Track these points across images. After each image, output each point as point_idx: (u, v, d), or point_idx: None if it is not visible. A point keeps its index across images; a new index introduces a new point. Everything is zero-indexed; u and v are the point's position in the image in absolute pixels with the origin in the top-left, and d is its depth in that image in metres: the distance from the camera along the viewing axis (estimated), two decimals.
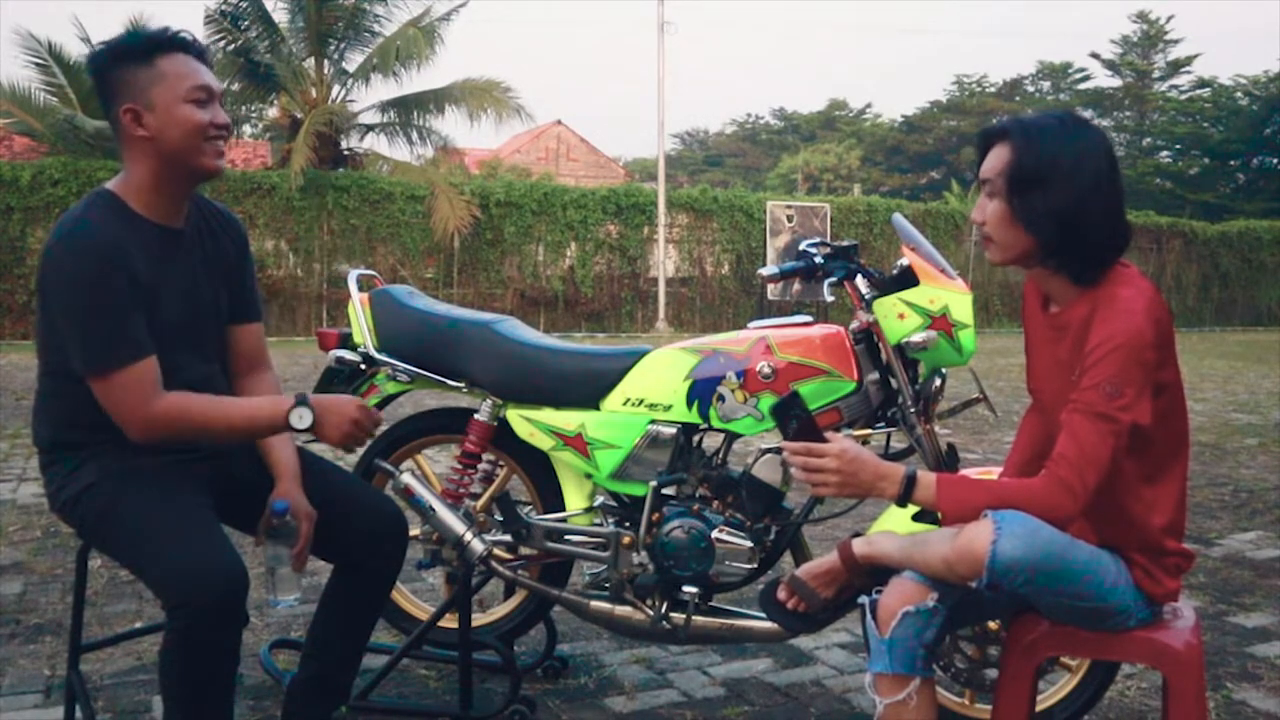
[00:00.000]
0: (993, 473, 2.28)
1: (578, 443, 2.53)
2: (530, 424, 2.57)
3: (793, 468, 1.83)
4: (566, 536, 2.56)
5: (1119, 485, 1.77)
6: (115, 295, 1.89)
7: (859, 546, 1.99)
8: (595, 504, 2.60)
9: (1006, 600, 1.81)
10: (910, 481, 1.77)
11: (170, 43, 1.98)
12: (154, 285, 1.98)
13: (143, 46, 1.96)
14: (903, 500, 1.78)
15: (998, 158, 1.82)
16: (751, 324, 2.56)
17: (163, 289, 2.00)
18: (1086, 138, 1.79)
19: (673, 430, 2.48)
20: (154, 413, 1.91)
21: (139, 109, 1.95)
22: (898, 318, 2.35)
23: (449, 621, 2.62)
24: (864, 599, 1.87)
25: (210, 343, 2.15)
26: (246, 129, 24.56)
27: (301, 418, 1.94)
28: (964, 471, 2.32)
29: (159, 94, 1.95)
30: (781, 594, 2.16)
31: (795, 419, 1.84)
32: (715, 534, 2.42)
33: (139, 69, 1.95)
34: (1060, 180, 1.76)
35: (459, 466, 2.68)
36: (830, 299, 2.50)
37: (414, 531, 2.55)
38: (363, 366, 2.63)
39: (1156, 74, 38.94)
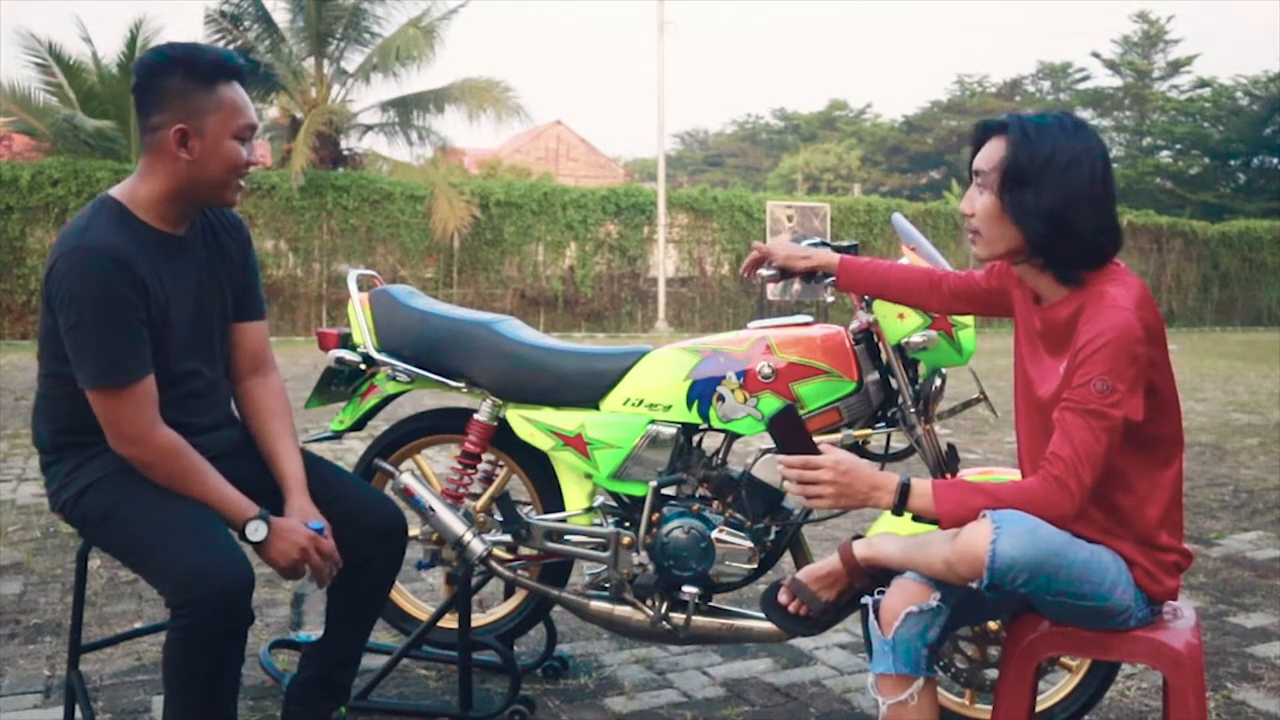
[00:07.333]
0: (993, 473, 2.29)
1: (578, 443, 2.53)
2: (530, 424, 2.57)
3: (787, 481, 1.83)
4: (566, 536, 2.56)
5: (1110, 479, 1.77)
6: (124, 312, 1.90)
7: (859, 549, 1.99)
8: (595, 504, 2.60)
9: (1007, 600, 1.81)
10: (904, 490, 1.77)
11: (232, 70, 1.98)
12: (163, 297, 1.98)
13: (207, 69, 1.95)
14: (899, 509, 1.78)
15: (993, 151, 1.82)
16: (751, 324, 2.56)
17: (172, 299, 2.01)
18: (1083, 139, 1.79)
19: (673, 430, 2.48)
20: (155, 439, 1.93)
21: (189, 131, 1.94)
22: (898, 317, 2.35)
23: (449, 621, 2.62)
24: (867, 599, 1.87)
25: (217, 348, 2.15)
26: None
27: (257, 530, 1.96)
28: (963, 472, 2.33)
29: (212, 124, 1.95)
30: (783, 597, 2.16)
31: (790, 431, 1.84)
32: (715, 534, 2.42)
33: (198, 90, 1.94)
34: (1053, 179, 1.76)
35: (459, 466, 2.68)
36: (830, 299, 2.50)
37: (414, 531, 2.55)
38: (363, 366, 2.63)
39: (1156, 74, 38.94)
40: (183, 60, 1.95)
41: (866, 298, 2.38)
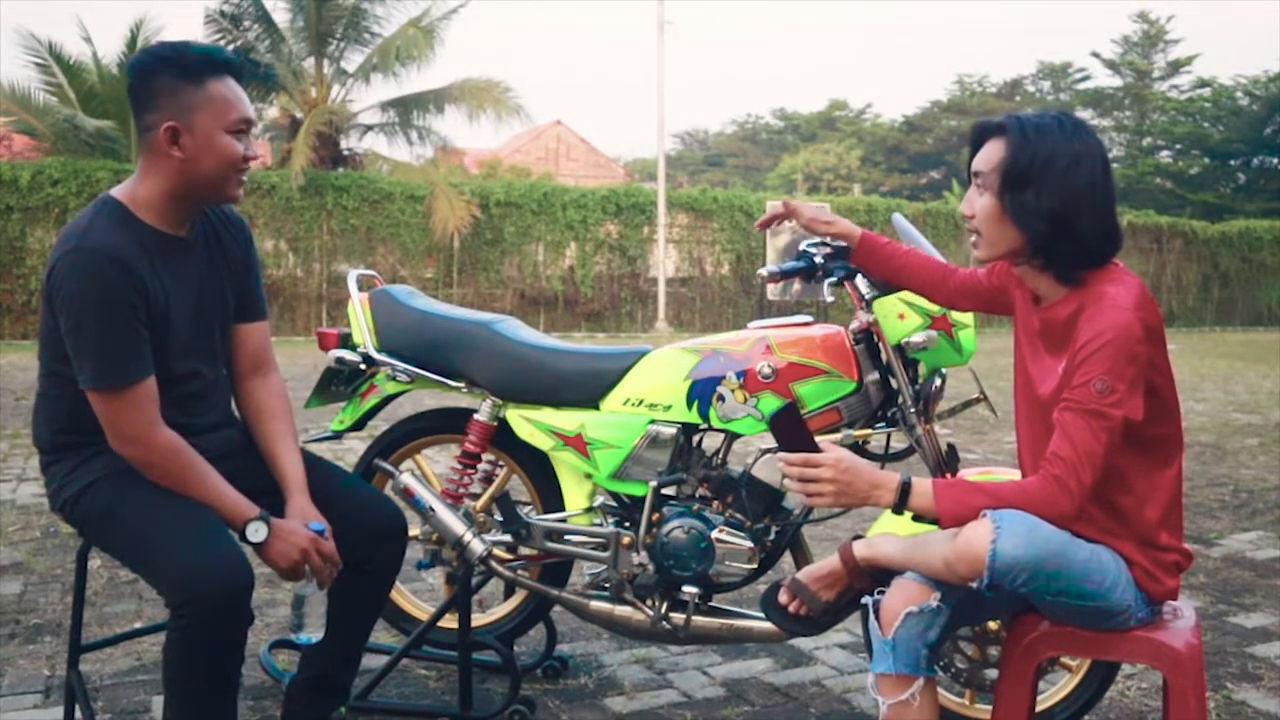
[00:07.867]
0: (993, 473, 2.29)
1: (578, 443, 2.53)
2: (530, 424, 2.57)
3: (787, 479, 1.83)
4: (566, 536, 2.56)
5: (1110, 479, 1.77)
6: (125, 312, 1.90)
7: (860, 549, 1.99)
8: (595, 504, 2.60)
9: (1007, 600, 1.81)
10: (905, 489, 1.77)
11: (223, 65, 1.98)
12: (164, 297, 1.98)
13: (196, 65, 1.95)
14: (899, 508, 1.78)
15: (993, 152, 1.82)
16: (751, 324, 2.56)
17: (172, 300, 2.01)
18: (1083, 139, 1.79)
19: (673, 430, 2.48)
20: (155, 439, 1.93)
21: (179, 129, 1.94)
22: (898, 318, 2.35)
23: (449, 621, 2.62)
24: (867, 600, 1.87)
25: (218, 348, 2.16)
26: None
27: (257, 531, 1.95)
28: (963, 472, 2.33)
29: (203, 119, 1.94)
30: (783, 597, 2.16)
31: (791, 430, 1.83)
32: (715, 534, 2.42)
33: (187, 87, 1.94)
34: (1054, 180, 1.76)
35: (459, 466, 2.68)
36: (830, 299, 2.50)
37: (414, 531, 2.54)
38: (363, 366, 2.63)
39: (1156, 74, 38.96)
40: (172, 58, 1.95)
41: (866, 298, 2.38)
